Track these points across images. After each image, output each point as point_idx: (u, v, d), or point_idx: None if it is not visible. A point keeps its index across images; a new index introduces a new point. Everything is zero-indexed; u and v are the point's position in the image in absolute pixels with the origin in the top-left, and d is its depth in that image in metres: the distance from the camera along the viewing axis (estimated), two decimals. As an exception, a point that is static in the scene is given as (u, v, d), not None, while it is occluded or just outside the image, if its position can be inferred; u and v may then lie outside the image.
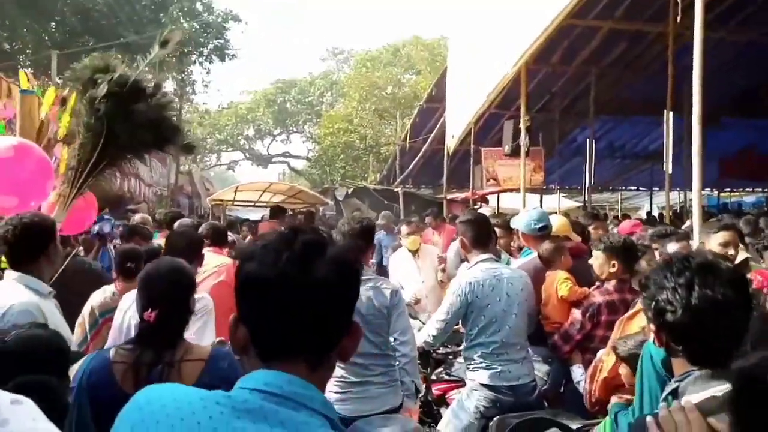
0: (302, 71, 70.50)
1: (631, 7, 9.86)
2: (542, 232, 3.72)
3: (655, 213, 15.70)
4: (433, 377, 3.57)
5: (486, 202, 14.28)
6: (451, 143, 12.44)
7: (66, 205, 2.92)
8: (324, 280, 0.92)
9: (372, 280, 2.95)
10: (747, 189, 19.82)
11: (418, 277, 5.33)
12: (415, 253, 5.52)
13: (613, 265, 3.02)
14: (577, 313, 3.16)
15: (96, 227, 5.02)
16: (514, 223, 3.97)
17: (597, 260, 3.05)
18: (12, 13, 16.20)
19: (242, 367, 1.02)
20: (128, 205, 12.64)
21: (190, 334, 2.68)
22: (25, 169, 2.75)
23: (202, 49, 20.86)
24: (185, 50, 19.77)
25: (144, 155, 3.37)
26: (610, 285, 3.06)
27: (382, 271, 6.92)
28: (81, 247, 4.73)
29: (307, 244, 0.94)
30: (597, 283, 3.17)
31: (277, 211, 8.81)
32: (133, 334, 2.45)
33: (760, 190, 18.70)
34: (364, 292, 2.87)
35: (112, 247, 5.09)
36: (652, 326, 1.41)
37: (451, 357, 3.64)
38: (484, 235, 3.21)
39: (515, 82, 9.38)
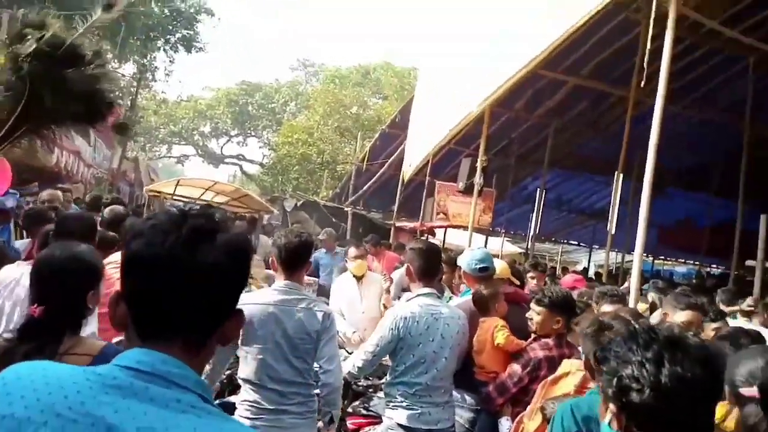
0: (269, 77, 69.99)
1: (598, 67, 10.15)
2: (483, 273, 3.61)
3: (592, 270, 16.06)
4: (350, 410, 3.36)
5: (433, 234, 14.27)
6: (407, 171, 12.40)
7: (-30, 169, 2.58)
8: (210, 266, 0.93)
9: (305, 301, 2.75)
10: (680, 259, 20.60)
11: (359, 306, 5.00)
12: (359, 279, 5.17)
13: (557, 322, 2.91)
14: (516, 366, 3.02)
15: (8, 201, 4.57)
16: (459, 261, 3.84)
17: (539, 316, 2.94)
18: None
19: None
20: (63, 182, 11.94)
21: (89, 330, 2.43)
22: None
23: (169, 36, 20.26)
24: (151, 34, 19.16)
25: (71, 128, 3.02)
26: (551, 340, 2.95)
27: (320, 291, 6.65)
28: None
29: (195, 229, 0.94)
30: (534, 336, 3.05)
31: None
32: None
33: (692, 262, 19.46)
34: (296, 313, 2.68)
35: (12, 226, 4.60)
36: (611, 407, 1.22)
37: (371, 390, 3.44)
38: (432, 267, 3.07)
39: (478, 121, 9.44)
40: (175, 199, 10.14)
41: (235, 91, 37.13)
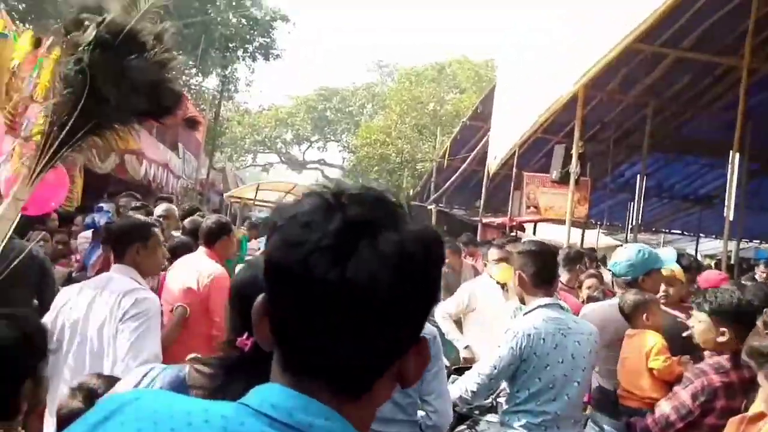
0: (346, 80, 70.80)
1: (702, 36, 9.15)
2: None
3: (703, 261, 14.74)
4: (455, 436, 2.93)
5: (522, 230, 13.57)
6: (492, 165, 11.80)
7: (32, 179, 2.38)
8: (367, 281, 0.62)
9: None
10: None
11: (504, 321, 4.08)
12: (504, 287, 4.07)
13: (723, 333, 2.28)
14: (683, 395, 2.36)
15: (90, 218, 4.51)
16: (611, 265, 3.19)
17: (701, 325, 2.35)
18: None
19: None
20: (154, 195, 12.31)
21: (123, 339, 2.19)
22: None
23: (247, 46, 20.68)
24: (230, 45, 19.59)
25: (135, 125, 2.76)
26: (724, 360, 2.31)
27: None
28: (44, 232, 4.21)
29: (350, 224, 0.63)
30: (705, 353, 2.43)
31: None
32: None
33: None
34: None
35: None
36: None
37: (477, 413, 2.98)
38: (551, 272, 2.58)
39: (567, 106, 8.80)
40: (256, 205, 10.13)
41: (313, 98, 37.80)
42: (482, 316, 4.07)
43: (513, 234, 11.80)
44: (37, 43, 2.72)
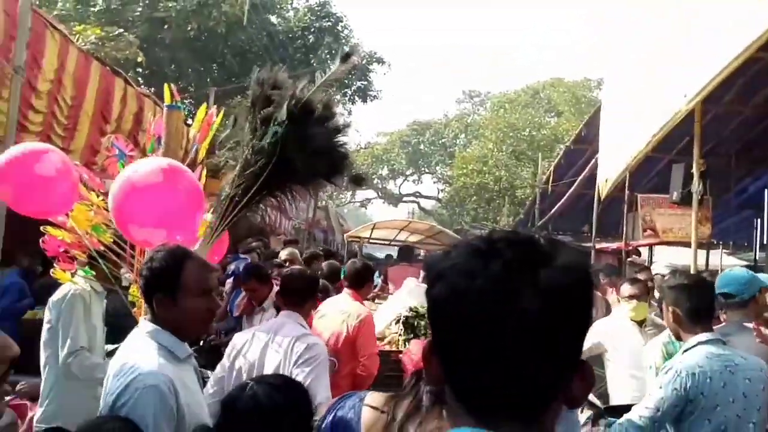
0: (437, 113, 71.39)
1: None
2: (727, 299, 2.90)
3: None
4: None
5: (638, 254, 12.92)
6: (604, 187, 11.40)
7: (212, 238, 2.65)
8: (534, 315, 0.68)
9: None
10: None
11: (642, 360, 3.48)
12: (641, 324, 3.88)
13: None
14: None
15: (232, 266, 4.88)
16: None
17: None
18: (180, 56, 17.79)
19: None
20: (268, 236, 12.97)
21: None
22: (174, 198, 2.51)
23: (346, 90, 21.56)
24: (330, 91, 20.51)
25: (313, 186, 3.02)
26: None
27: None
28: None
29: (509, 267, 0.69)
30: None
31: (406, 252, 8.41)
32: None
33: None
34: None
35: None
36: None
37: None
38: (708, 306, 2.48)
39: (681, 122, 8.39)
40: (371, 243, 10.42)
41: (406, 133, 38.47)
42: (618, 356, 3.85)
43: (631, 258, 11.27)
44: (205, 109, 3.07)
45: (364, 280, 3.73)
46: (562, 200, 15.06)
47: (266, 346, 2.63)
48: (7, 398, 3.49)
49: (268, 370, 2.56)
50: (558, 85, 31.03)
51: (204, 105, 3.08)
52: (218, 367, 2.74)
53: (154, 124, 3.01)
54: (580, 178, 13.83)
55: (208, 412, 1.86)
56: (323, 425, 1.55)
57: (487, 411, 0.71)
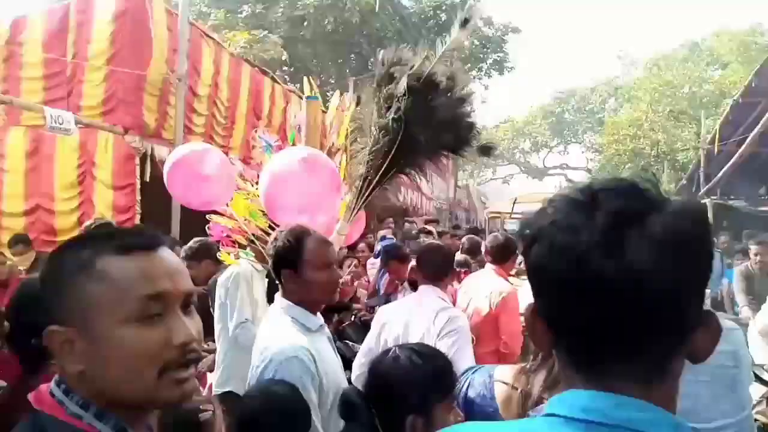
0: (583, 79, 67.32)
1: None
2: None
3: None
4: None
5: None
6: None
7: (351, 217, 2.78)
8: (644, 266, 0.63)
9: None
10: None
11: None
12: None
13: None
14: None
15: (379, 246, 5.04)
16: None
17: None
18: (321, 50, 18.64)
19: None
20: (411, 216, 13.26)
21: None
22: (315, 184, 2.66)
23: (481, 65, 21.15)
24: (465, 68, 20.24)
25: (440, 159, 3.04)
26: None
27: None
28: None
29: (613, 217, 0.64)
30: None
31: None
32: None
33: None
34: None
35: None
36: None
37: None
38: None
39: None
40: (513, 218, 10.21)
41: (549, 103, 36.82)
42: None
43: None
44: (342, 101, 3.21)
45: (507, 254, 3.66)
46: (732, 160, 13.51)
47: (409, 319, 2.70)
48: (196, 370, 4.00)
49: (413, 340, 2.63)
50: (722, 35, 27.72)
51: (338, 92, 3.21)
52: (366, 340, 2.87)
53: (295, 115, 3.21)
54: (752, 134, 12.28)
55: (345, 378, 1.97)
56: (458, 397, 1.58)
57: (601, 373, 0.67)
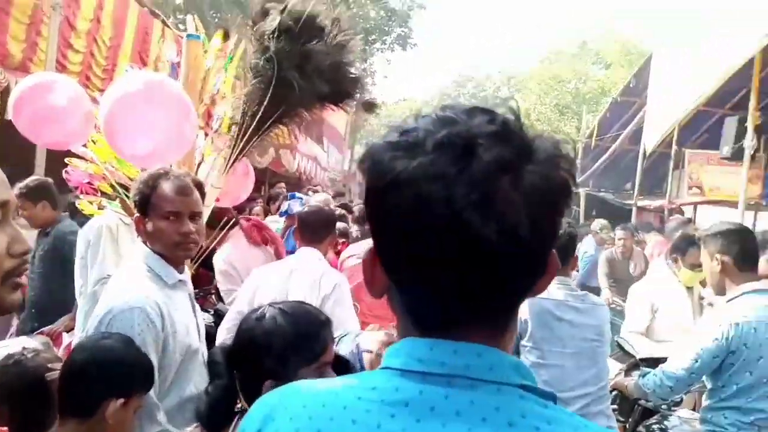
0: (482, 64, 69.50)
1: None
2: None
3: None
4: (641, 429, 2.75)
5: (681, 213, 12.49)
6: (650, 142, 10.95)
7: (225, 169, 2.59)
8: (519, 226, 0.57)
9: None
10: None
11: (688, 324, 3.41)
12: (690, 290, 3.65)
13: None
14: None
15: (286, 205, 4.83)
16: None
17: None
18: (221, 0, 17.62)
19: None
20: (304, 186, 13.05)
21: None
22: (157, 108, 2.30)
23: (385, 38, 21.09)
24: (369, 38, 20.10)
25: (317, 111, 2.87)
26: None
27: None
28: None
29: (495, 164, 0.57)
30: None
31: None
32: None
33: None
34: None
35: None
36: None
37: (664, 407, 2.77)
38: (753, 253, 2.33)
39: (738, 74, 7.90)
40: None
41: (447, 86, 37.84)
42: (666, 321, 3.60)
43: (674, 217, 10.90)
44: (225, 38, 2.94)
45: None
46: (605, 155, 14.60)
47: (287, 281, 2.58)
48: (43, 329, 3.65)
49: (293, 301, 2.53)
50: (608, 36, 29.69)
51: (219, 32, 2.94)
52: (236, 304, 2.68)
53: (167, 50, 2.93)
54: (625, 132, 13.32)
55: (198, 339, 1.82)
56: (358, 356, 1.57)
57: (443, 323, 0.62)
